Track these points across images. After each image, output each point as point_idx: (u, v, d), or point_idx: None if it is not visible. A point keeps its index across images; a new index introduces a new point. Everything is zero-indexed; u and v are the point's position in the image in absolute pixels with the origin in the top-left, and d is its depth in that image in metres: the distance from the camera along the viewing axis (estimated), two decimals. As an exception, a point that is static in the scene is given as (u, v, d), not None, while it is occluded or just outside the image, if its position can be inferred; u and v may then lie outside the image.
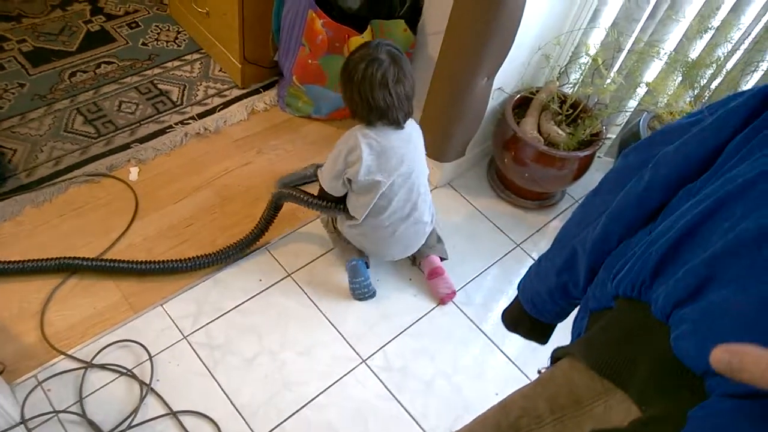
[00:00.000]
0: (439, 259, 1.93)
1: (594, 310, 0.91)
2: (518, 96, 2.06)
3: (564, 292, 1.02)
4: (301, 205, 1.82)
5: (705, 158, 0.79)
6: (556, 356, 0.92)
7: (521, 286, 1.14)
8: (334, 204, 1.79)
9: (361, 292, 1.86)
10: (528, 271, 1.13)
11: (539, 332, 1.16)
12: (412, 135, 1.70)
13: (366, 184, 1.65)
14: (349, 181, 1.68)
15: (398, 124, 1.62)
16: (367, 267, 1.89)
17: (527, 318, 1.13)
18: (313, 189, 1.86)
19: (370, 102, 1.54)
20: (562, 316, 1.10)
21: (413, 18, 2.08)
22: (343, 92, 1.62)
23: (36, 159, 2.03)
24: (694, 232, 0.68)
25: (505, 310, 1.21)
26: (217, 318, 1.77)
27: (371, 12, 2.00)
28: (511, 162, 2.07)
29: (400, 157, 1.65)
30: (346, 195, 1.77)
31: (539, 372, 0.96)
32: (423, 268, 1.94)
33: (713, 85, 1.89)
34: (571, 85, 2.10)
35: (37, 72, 2.29)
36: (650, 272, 0.71)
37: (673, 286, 0.66)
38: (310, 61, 2.06)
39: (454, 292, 1.92)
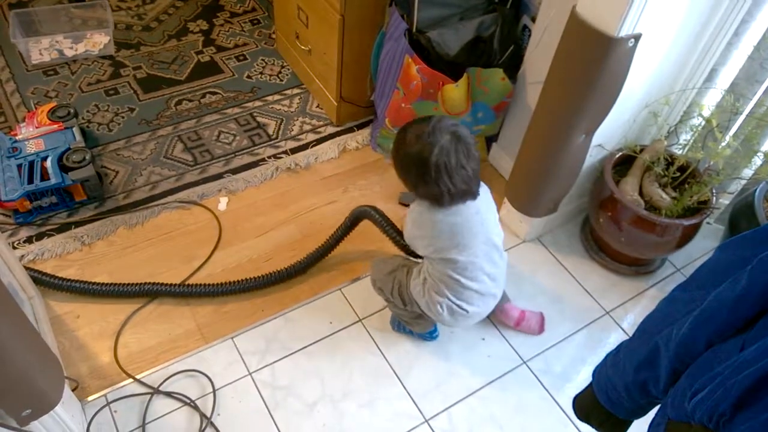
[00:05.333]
0: (512, 304, 1.87)
1: (673, 419, 0.80)
2: (620, 154, 1.93)
3: (642, 389, 0.92)
4: (380, 230, 1.77)
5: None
6: None
7: (596, 374, 1.05)
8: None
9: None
10: (605, 358, 1.03)
11: (613, 426, 1.06)
12: (483, 198, 1.55)
13: (441, 259, 1.54)
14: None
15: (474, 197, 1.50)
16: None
17: (601, 410, 1.03)
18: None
19: (447, 188, 1.42)
20: (639, 414, 0.99)
21: (513, 66, 2.02)
22: (402, 175, 1.48)
23: (135, 182, 2.12)
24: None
25: (577, 396, 1.11)
26: (283, 357, 1.76)
27: (469, 59, 1.95)
28: (607, 223, 1.94)
29: (476, 229, 1.54)
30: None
31: None
32: (505, 320, 1.87)
33: None
34: (680, 147, 1.94)
35: (147, 98, 2.41)
36: (731, 404, 0.61)
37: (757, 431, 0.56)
38: (403, 105, 2.04)
39: (542, 316, 1.91)
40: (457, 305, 1.59)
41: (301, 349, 1.78)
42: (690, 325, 0.80)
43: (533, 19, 1.95)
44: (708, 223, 2.15)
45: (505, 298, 1.84)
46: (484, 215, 1.55)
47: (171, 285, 1.83)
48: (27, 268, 1.75)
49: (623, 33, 1.44)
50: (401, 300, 1.68)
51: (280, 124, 2.38)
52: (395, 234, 1.75)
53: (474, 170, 1.43)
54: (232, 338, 1.78)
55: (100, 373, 1.69)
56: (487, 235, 1.58)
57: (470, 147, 1.42)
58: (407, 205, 2.00)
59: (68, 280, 1.80)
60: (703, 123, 1.82)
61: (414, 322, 1.75)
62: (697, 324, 0.79)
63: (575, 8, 1.50)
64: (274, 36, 2.70)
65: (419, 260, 1.68)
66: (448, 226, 1.49)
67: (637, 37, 1.47)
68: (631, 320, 1.95)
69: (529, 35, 1.98)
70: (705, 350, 0.78)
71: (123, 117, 2.34)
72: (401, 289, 1.67)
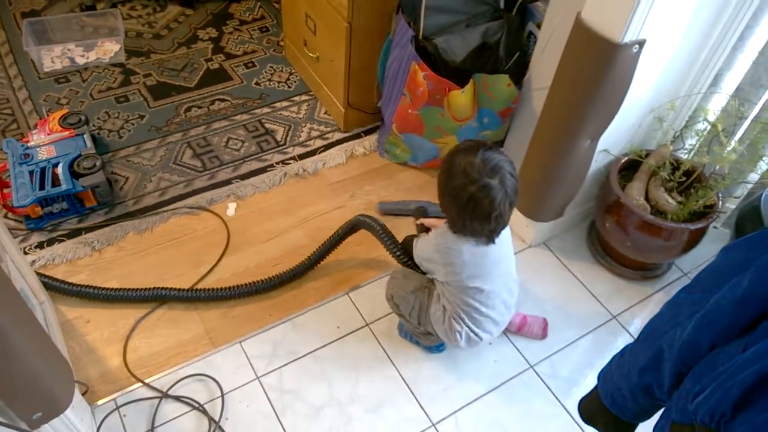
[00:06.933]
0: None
1: (676, 422, 0.81)
2: (625, 159, 1.94)
3: (647, 392, 0.92)
4: (379, 241, 1.78)
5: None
6: None
7: (602, 377, 1.05)
8: (412, 261, 1.70)
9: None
10: (610, 362, 1.04)
11: (619, 429, 1.06)
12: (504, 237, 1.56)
13: (462, 287, 1.56)
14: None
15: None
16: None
17: (606, 412, 1.04)
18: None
19: (476, 227, 1.44)
20: (644, 417, 1.00)
21: (519, 72, 2.03)
22: (448, 208, 1.46)
23: (144, 188, 2.15)
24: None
25: (582, 399, 1.12)
26: (291, 362, 1.77)
27: (475, 66, 1.96)
28: (613, 228, 1.94)
29: (499, 259, 1.56)
30: None
31: None
32: (507, 326, 1.86)
33: None
34: (685, 151, 1.95)
35: (157, 105, 2.44)
36: (732, 404, 0.62)
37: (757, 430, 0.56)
38: (410, 111, 2.06)
39: (545, 321, 1.89)
40: (474, 333, 1.63)
41: (308, 354, 1.79)
42: (693, 328, 0.80)
43: (539, 26, 1.96)
44: (714, 227, 2.15)
45: None
46: (505, 245, 1.58)
47: (179, 290, 1.85)
48: (39, 274, 1.77)
49: (628, 39, 1.45)
50: (417, 321, 1.70)
51: (288, 130, 2.40)
52: (399, 253, 1.75)
53: (507, 215, 1.43)
54: (239, 343, 1.80)
55: (109, 377, 1.70)
56: (507, 264, 1.61)
57: (516, 189, 1.41)
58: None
59: (78, 285, 1.82)
60: (709, 128, 1.83)
61: (424, 337, 1.76)
62: (700, 327, 0.79)
63: (580, 15, 1.51)
64: (282, 43, 2.73)
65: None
66: (474, 258, 1.51)
67: (641, 43, 1.48)
68: (637, 324, 1.95)
69: (535, 41, 2.00)
70: (708, 353, 0.79)
71: (133, 124, 2.37)
72: (421, 311, 1.68)
